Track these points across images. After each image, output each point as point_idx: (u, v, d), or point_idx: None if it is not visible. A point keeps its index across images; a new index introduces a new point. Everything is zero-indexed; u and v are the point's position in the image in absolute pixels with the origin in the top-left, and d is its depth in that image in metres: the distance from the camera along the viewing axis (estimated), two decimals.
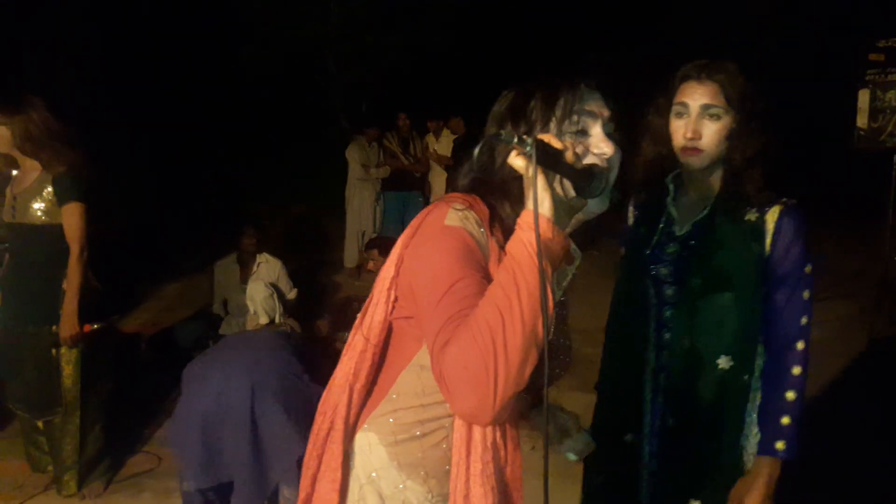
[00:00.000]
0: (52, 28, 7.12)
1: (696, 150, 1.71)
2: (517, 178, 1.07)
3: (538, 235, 0.99)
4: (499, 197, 1.18)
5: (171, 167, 8.41)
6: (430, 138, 7.42)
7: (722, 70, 1.70)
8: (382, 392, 1.27)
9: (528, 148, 0.99)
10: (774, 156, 1.71)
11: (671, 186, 1.85)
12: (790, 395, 1.68)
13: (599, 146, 1.18)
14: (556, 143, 1.03)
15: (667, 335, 1.81)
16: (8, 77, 4.69)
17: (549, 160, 1.02)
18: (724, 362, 1.71)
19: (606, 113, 1.21)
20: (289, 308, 4.76)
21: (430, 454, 1.26)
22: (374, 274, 2.95)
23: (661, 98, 1.78)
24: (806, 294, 1.69)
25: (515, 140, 0.99)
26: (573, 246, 1.28)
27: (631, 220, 1.97)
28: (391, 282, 1.21)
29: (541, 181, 1.02)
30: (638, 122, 1.86)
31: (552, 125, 1.18)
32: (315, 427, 1.30)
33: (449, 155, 7.16)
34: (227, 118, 9.24)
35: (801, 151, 5.51)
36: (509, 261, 1.02)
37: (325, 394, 1.31)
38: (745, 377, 1.73)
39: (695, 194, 1.81)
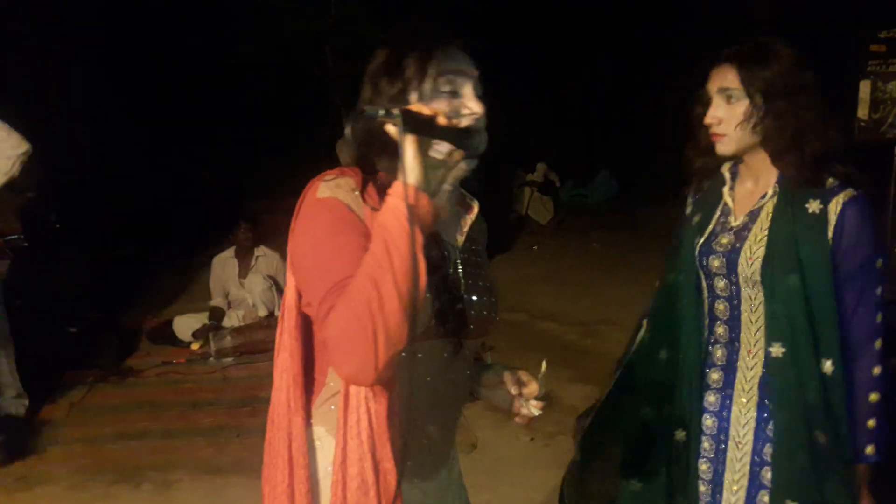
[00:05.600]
0: (50, 26, 7.10)
1: (718, 136, 1.65)
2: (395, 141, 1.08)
3: (409, 207, 1.01)
4: (384, 160, 1.20)
5: (170, 162, 8.40)
6: None
7: (744, 51, 1.63)
8: (320, 381, 1.28)
9: (395, 119, 1.00)
10: (828, 140, 1.60)
11: (727, 175, 1.77)
12: (874, 396, 1.60)
13: (470, 106, 1.21)
14: (426, 111, 1.04)
15: (719, 329, 1.75)
16: (9, 75, 4.68)
17: (420, 127, 1.03)
18: (776, 350, 1.64)
19: (476, 73, 1.23)
20: None
21: None
22: None
23: (702, 88, 1.73)
24: (879, 290, 1.60)
25: (382, 113, 1.00)
26: (468, 196, 1.35)
27: (688, 210, 1.88)
28: (289, 264, 1.25)
29: (411, 149, 1.03)
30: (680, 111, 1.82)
31: (427, 84, 1.19)
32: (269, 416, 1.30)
33: None
34: (224, 112, 9.21)
35: None
36: (380, 229, 1.04)
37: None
38: (817, 367, 1.62)
39: (751, 183, 1.72)
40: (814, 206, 1.60)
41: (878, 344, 1.60)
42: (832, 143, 1.61)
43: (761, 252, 1.64)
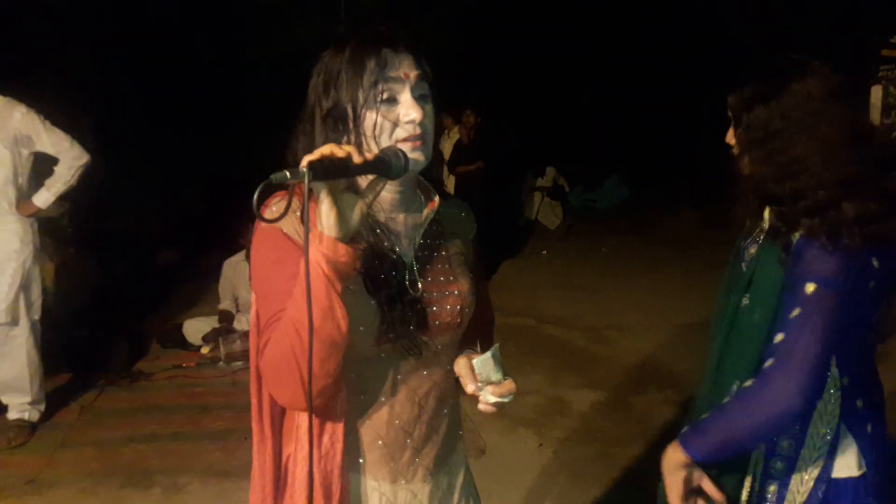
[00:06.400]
0: (70, 32, 7.18)
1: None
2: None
3: (307, 257, 1.04)
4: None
5: (181, 166, 8.44)
6: (444, 136, 7.44)
7: (739, 79, 1.61)
8: None
9: (303, 178, 0.99)
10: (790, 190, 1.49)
11: None
12: (726, 399, 1.53)
13: (408, 113, 1.18)
14: (339, 152, 1.03)
15: None
16: (26, 75, 4.73)
17: (335, 172, 1.02)
18: (735, 388, 1.60)
19: (414, 74, 1.20)
20: None
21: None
22: None
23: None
24: (795, 312, 1.45)
25: (290, 176, 0.99)
26: (431, 189, 1.33)
27: None
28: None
29: (326, 201, 1.04)
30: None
31: (360, 96, 1.18)
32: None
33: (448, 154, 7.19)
34: (234, 116, 9.27)
35: None
36: (301, 277, 1.05)
37: None
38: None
39: None
40: (794, 236, 1.52)
41: (768, 363, 1.45)
42: (794, 194, 1.50)
43: (753, 274, 1.62)
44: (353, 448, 1.28)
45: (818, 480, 1.57)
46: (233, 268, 5.17)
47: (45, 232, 3.79)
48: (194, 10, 9.11)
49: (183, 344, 4.91)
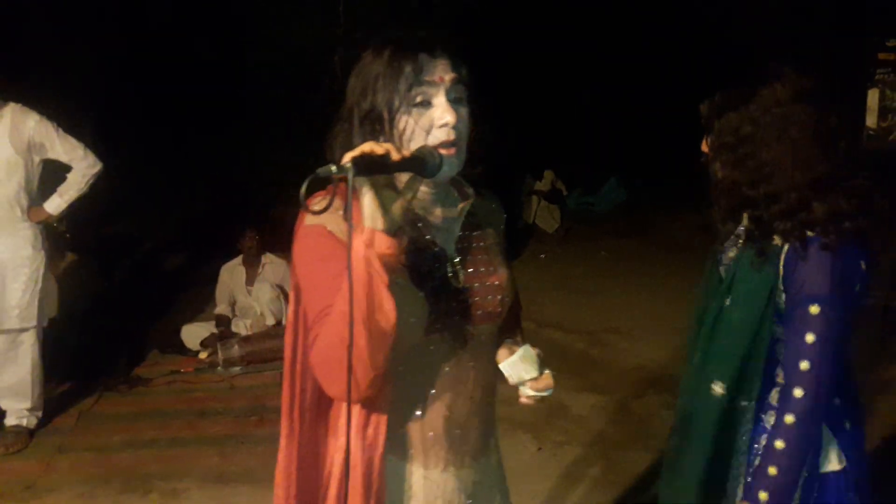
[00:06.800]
0: (69, 34, 7.18)
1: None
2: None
3: (350, 248, 1.07)
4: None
5: (180, 168, 8.43)
6: None
7: (715, 89, 1.65)
8: None
9: (347, 172, 1.02)
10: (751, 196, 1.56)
11: None
12: (779, 444, 1.53)
13: (443, 116, 1.21)
14: (378, 149, 1.06)
15: None
16: (26, 75, 4.72)
17: (375, 168, 1.06)
18: (718, 388, 1.66)
19: (449, 77, 1.23)
20: None
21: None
22: None
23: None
24: (810, 338, 1.50)
25: (335, 170, 1.02)
26: (465, 184, 1.37)
27: None
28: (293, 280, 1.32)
29: (368, 195, 1.07)
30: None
31: (396, 100, 1.21)
32: None
33: None
34: (233, 120, 9.26)
35: None
36: (348, 271, 1.08)
37: None
38: (742, 404, 1.65)
39: None
40: (778, 239, 1.57)
41: (797, 392, 1.52)
42: (759, 200, 1.56)
43: (734, 277, 1.66)
44: (403, 438, 1.33)
45: (809, 478, 1.60)
46: (230, 272, 5.17)
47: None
48: (194, 10, 9.10)
49: (181, 349, 4.90)
